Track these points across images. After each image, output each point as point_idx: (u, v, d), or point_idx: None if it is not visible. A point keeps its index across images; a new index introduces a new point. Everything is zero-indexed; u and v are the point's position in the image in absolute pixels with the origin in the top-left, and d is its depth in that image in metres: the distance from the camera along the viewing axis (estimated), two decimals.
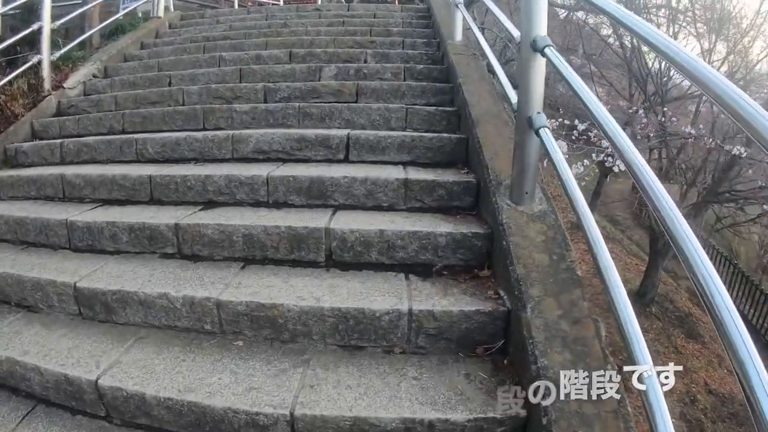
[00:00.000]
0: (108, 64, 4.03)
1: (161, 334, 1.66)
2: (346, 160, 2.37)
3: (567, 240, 1.67)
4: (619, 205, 9.75)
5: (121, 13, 5.22)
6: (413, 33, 4.07)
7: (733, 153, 4.70)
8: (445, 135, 2.35)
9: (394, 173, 2.10)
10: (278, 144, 2.41)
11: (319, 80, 3.22)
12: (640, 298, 6.22)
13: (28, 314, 1.88)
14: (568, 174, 1.47)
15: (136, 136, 2.68)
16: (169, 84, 3.50)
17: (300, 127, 2.69)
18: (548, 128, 1.61)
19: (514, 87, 2.49)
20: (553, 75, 1.83)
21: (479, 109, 2.35)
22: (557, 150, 1.54)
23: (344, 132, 2.41)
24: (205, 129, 2.82)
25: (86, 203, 2.39)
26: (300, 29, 4.22)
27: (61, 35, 4.11)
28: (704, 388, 5.70)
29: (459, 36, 3.39)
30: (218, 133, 2.55)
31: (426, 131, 2.58)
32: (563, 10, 10.62)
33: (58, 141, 2.88)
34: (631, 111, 5.17)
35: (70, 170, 2.49)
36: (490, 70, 3.24)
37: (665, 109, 5.18)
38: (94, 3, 4.32)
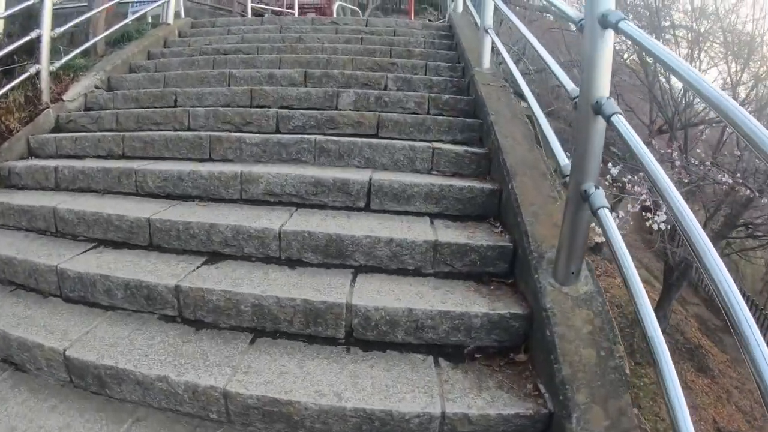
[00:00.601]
0: (111, 75, 3.82)
1: (161, 416, 1.48)
2: (367, 208, 2.18)
3: (615, 330, 1.50)
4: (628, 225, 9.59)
5: (130, 18, 5.01)
6: (436, 55, 3.86)
7: (754, 194, 4.52)
8: (477, 186, 2.16)
9: (421, 233, 1.91)
10: (292, 187, 2.22)
11: (337, 108, 3.02)
12: None
13: (15, 374, 1.70)
14: (630, 265, 1.29)
15: (135, 166, 2.48)
16: (175, 103, 3.30)
17: (316, 164, 2.50)
18: (608, 208, 1.42)
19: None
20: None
21: (514, 157, 2.16)
22: (618, 237, 1.35)
23: (365, 176, 2.22)
24: (211, 159, 2.62)
25: (80, 241, 2.20)
26: (316, 45, 4.01)
27: (64, 42, 3.90)
28: (713, 426, 5.54)
29: (487, 63, 3.19)
30: (225, 169, 2.35)
31: (453, 174, 2.40)
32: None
33: (53, 164, 2.68)
34: (663, 152, 4.96)
35: (63, 204, 2.30)
36: (517, 91, 3.08)
37: (698, 150, 4.95)
38: (100, 9, 4.11)
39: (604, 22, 1.35)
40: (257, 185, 2.24)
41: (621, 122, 1.35)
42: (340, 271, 1.84)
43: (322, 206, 2.21)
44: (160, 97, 3.36)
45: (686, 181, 4.60)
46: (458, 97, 3.04)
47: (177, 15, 5.21)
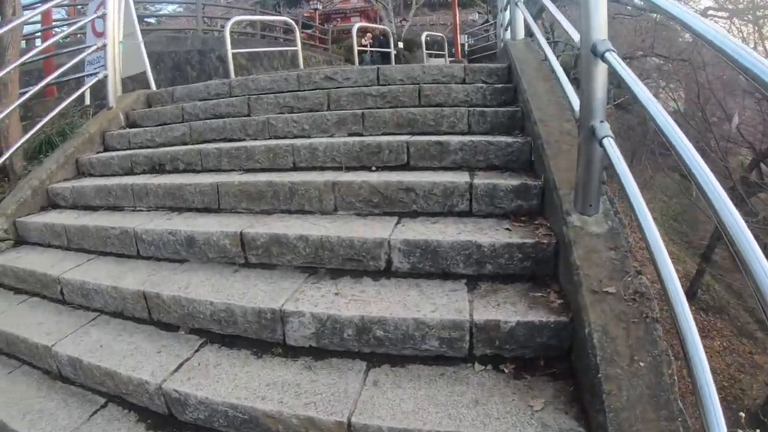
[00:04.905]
0: (18, 219, 2.65)
1: None
2: None
3: None
4: None
5: (87, 86, 3.82)
6: (489, 151, 2.03)
7: None
8: None
9: None
10: None
11: (284, 343, 1.50)
12: None
13: None
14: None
15: None
16: (62, 296, 2.04)
17: None
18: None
19: None
20: None
21: None
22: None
23: None
24: None
25: None
26: (283, 144, 2.39)
27: None
28: None
29: (595, 204, 1.41)
30: None
31: None
32: None
33: None
34: None
35: None
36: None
37: None
38: (7, 111, 2.90)
39: None
40: None
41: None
42: None
43: None
44: (45, 285, 2.12)
45: None
46: (541, 320, 1.30)
47: (143, 83, 3.94)
